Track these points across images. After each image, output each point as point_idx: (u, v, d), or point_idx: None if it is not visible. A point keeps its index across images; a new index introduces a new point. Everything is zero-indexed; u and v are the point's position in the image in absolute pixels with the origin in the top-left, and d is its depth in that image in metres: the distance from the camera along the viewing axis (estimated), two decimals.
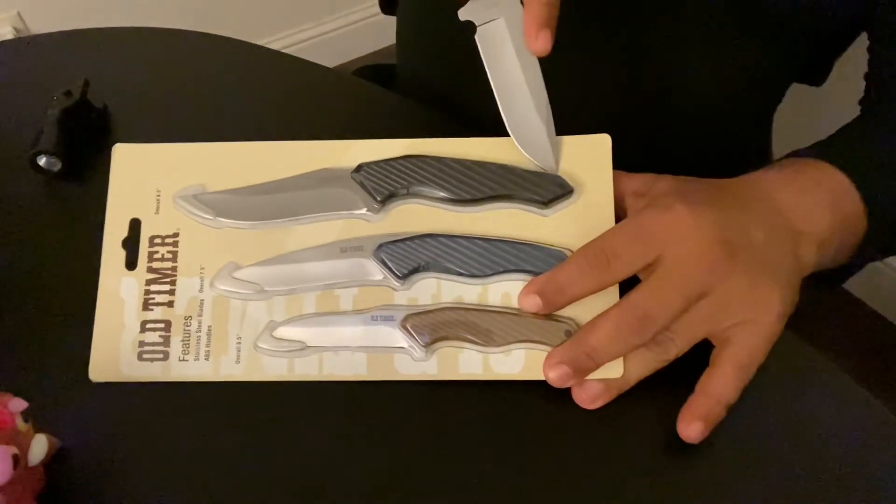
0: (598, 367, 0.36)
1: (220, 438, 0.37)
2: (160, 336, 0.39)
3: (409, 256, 0.39)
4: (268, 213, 0.41)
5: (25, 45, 0.62)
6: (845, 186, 0.41)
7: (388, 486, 0.36)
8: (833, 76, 0.59)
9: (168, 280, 0.40)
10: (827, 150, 0.43)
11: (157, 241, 0.41)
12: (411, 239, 0.39)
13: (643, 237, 0.36)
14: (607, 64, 0.54)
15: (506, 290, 0.39)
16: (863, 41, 0.54)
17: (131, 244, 0.41)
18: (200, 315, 0.39)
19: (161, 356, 0.39)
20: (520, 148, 0.40)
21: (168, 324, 0.39)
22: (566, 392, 0.37)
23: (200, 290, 0.40)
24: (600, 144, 0.40)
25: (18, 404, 0.32)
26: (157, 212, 0.41)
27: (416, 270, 0.39)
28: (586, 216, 0.39)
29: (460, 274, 0.39)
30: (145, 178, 0.42)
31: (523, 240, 0.39)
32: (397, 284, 0.39)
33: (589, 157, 0.40)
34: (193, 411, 0.38)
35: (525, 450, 0.37)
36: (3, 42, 0.61)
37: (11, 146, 0.48)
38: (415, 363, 0.38)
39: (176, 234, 0.41)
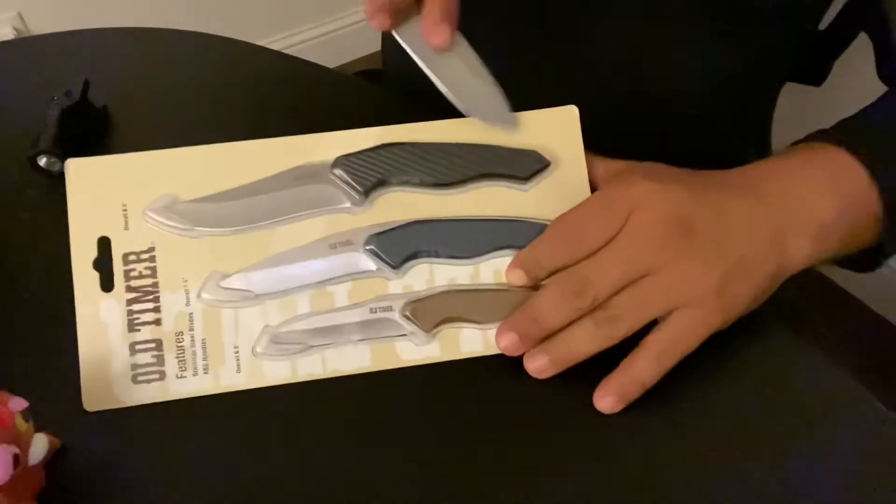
0: (544, 332, 0.37)
1: (221, 436, 0.37)
2: (153, 356, 0.38)
3: (400, 244, 0.39)
4: (248, 218, 0.40)
5: (25, 45, 0.62)
6: (845, 165, 0.39)
7: (405, 477, 0.36)
8: (833, 76, 0.59)
9: (151, 297, 0.39)
10: (824, 133, 0.41)
11: (132, 257, 0.39)
12: (400, 227, 0.40)
13: (607, 210, 0.37)
14: (594, 73, 0.54)
15: (497, 268, 0.40)
16: (862, 41, 0.54)
17: (103, 264, 0.39)
18: (192, 329, 0.38)
19: (157, 376, 0.38)
20: (482, 120, 0.41)
21: (159, 342, 0.38)
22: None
23: (188, 304, 0.39)
24: (568, 116, 0.42)
25: (18, 403, 0.32)
26: (126, 227, 0.39)
27: (409, 258, 0.39)
28: (564, 188, 0.41)
29: (452, 257, 0.39)
30: (107, 193, 0.40)
31: (508, 217, 0.40)
32: (391, 274, 0.39)
33: (559, 129, 0.42)
34: (194, 410, 0.38)
35: (535, 423, 0.38)
36: (3, 42, 0.61)
37: (11, 146, 0.48)
38: (417, 348, 0.39)
39: (151, 249, 0.39)
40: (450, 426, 0.37)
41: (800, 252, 0.38)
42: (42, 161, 0.47)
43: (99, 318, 0.38)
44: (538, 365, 0.37)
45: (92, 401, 0.37)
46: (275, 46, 1.47)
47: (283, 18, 1.56)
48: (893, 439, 0.37)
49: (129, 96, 0.51)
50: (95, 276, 0.39)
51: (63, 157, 0.47)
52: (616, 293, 0.36)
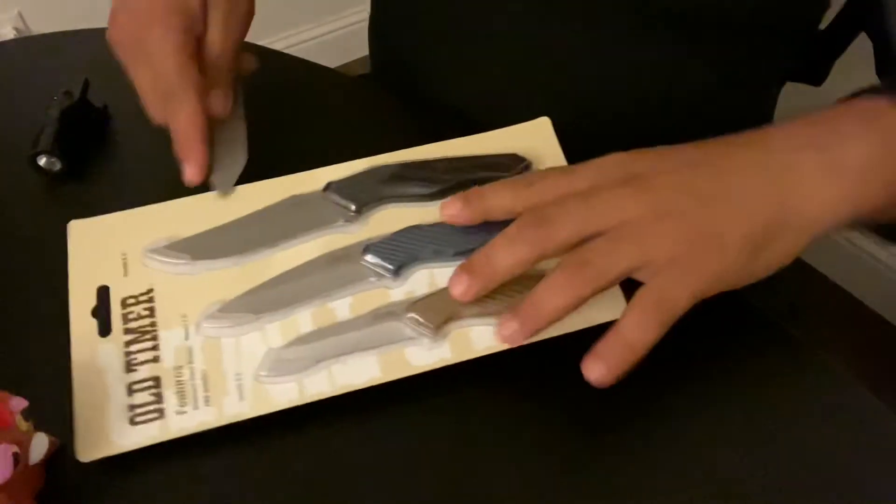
0: (494, 272, 0.34)
1: (222, 435, 0.37)
2: (151, 394, 0.36)
3: (397, 249, 0.39)
4: (245, 247, 0.40)
5: (25, 45, 0.62)
6: (882, 108, 0.34)
7: (423, 482, 0.36)
8: (833, 76, 0.59)
9: (149, 336, 0.38)
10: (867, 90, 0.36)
11: (131, 301, 0.38)
12: (396, 233, 0.40)
13: (572, 170, 0.35)
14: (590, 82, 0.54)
15: None
16: (862, 41, 0.54)
17: (102, 312, 0.38)
18: (192, 362, 0.37)
19: (156, 414, 0.36)
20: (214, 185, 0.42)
21: (157, 380, 0.36)
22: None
23: (186, 339, 0.37)
24: (542, 127, 0.43)
25: (19, 403, 0.32)
26: (125, 275, 0.39)
27: (407, 261, 0.39)
28: None
29: (452, 256, 0.39)
30: (107, 247, 0.40)
31: None
32: (392, 282, 0.39)
33: (536, 140, 0.43)
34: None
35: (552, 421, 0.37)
36: (3, 42, 0.61)
37: (11, 146, 0.48)
38: (428, 352, 0.37)
39: (150, 291, 0.39)
40: (463, 426, 0.37)
41: (818, 195, 0.33)
42: (42, 161, 0.47)
43: (96, 364, 0.37)
44: (508, 331, 0.34)
45: (86, 449, 0.35)
46: (276, 46, 1.47)
47: (283, 18, 1.56)
48: (894, 439, 0.37)
49: (129, 96, 0.51)
50: (93, 322, 0.38)
51: (63, 157, 0.47)
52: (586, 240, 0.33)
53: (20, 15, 1.31)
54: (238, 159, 0.43)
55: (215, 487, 0.36)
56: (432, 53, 0.58)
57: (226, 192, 0.42)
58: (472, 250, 0.37)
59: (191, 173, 0.41)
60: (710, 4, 0.48)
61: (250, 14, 0.46)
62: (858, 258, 1.25)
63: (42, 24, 1.33)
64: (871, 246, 1.23)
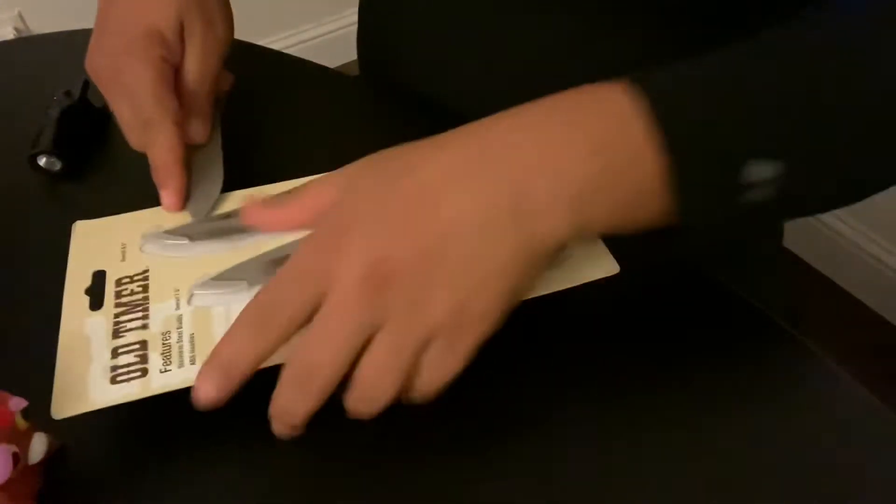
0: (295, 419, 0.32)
1: (221, 434, 0.37)
2: (135, 356, 0.35)
3: None
4: (241, 231, 0.40)
5: (25, 45, 0.62)
6: (622, 110, 0.31)
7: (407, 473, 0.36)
8: None
9: (140, 308, 0.37)
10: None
11: (126, 280, 0.39)
12: None
13: (301, 285, 0.32)
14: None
15: None
16: None
17: (95, 289, 0.38)
18: (180, 328, 0.36)
19: (139, 373, 0.35)
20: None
21: (144, 343, 0.36)
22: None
23: (177, 308, 0.37)
24: None
25: (18, 403, 0.32)
26: (122, 259, 0.40)
27: None
28: None
29: None
30: (109, 238, 0.41)
31: None
32: None
33: None
34: (195, 408, 0.38)
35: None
36: (3, 42, 0.61)
37: (11, 146, 0.48)
38: None
39: (145, 271, 0.39)
40: (457, 424, 0.37)
41: (554, 226, 0.31)
42: (42, 161, 0.47)
43: (83, 333, 0.37)
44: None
45: (61, 407, 0.33)
46: (275, 46, 1.47)
47: (283, 18, 1.56)
48: (894, 439, 0.37)
49: None
50: (86, 299, 0.38)
51: (63, 157, 0.47)
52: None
53: (20, 15, 1.31)
54: (214, 185, 0.44)
55: (216, 488, 0.36)
56: (415, 51, 0.59)
57: (201, 219, 0.42)
58: None
59: (168, 202, 0.42)
60: None
61: (228, 40, 0.47)
62: (858, 258, 1.25)
63: (42, 24, 1.33)
64: (872, 246, 1.23)
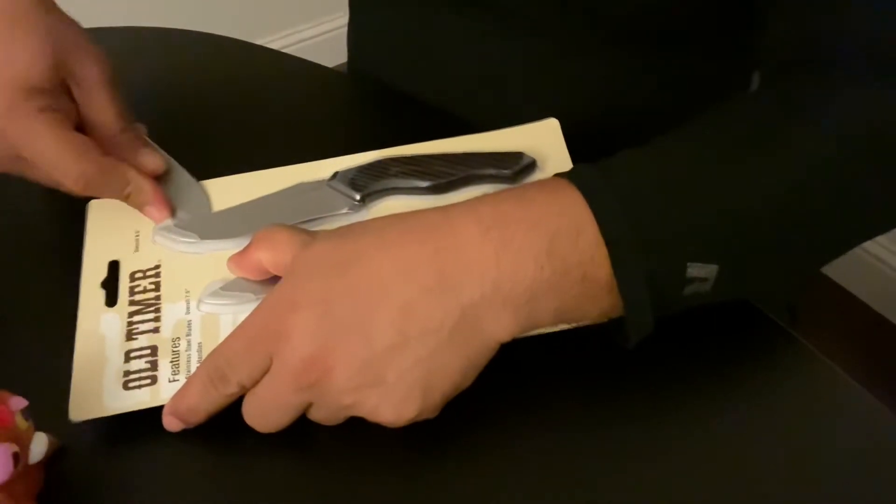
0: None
1: (222, 435, 0.37)
2: (147, 362, 0.37)
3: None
4: (251, 227, 0.40)
5: None
6: (571, 207, 0.33)
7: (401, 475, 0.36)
8: None
9: (152, 309, 0.39)
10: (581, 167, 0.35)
11: (139, 275, 0.40)
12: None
13: (252, 349, 0.34)
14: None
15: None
16: None
17: (111, 284, 0.39)
18: (189, 335, 0.38)
19: (149, 381, 0.36)
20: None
21: (154, 348, 0.37)
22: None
23: (187, 312, 0.38)
24: (550, 128, 0.43)
25: (18, 402, 0.32)
26: (136, 250, 0.41)
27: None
28: None
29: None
30: (122, 224, 0.41)
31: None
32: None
33: (543, 141, 0.43)
34: None
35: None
36: None
37: None
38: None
39: (157, 266, 0.40)
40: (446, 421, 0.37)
41: (500, 326, 0.33)
42: None
43: (98, 332, 0.38)
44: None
45: (78, 410, 0.36)
46: (275, 46, 1.47)
47: (283, 18, 1.56)
48: (894, 439, 0.37)
49: (129, 96, 0.51)
50: (101, 293, 0.39)
51: None
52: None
53: None
54: (200, 195, 0.43)
55: (217, 489, 0.36)
56: (404, 60, 0.59)
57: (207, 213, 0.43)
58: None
59: (157, 215, 0.42)
60: (653, 14, 0.48)
61: (107, 59, 0.43)
62: (859, 258, 1.25)
63: None
64: (872, 246, 1.23)
